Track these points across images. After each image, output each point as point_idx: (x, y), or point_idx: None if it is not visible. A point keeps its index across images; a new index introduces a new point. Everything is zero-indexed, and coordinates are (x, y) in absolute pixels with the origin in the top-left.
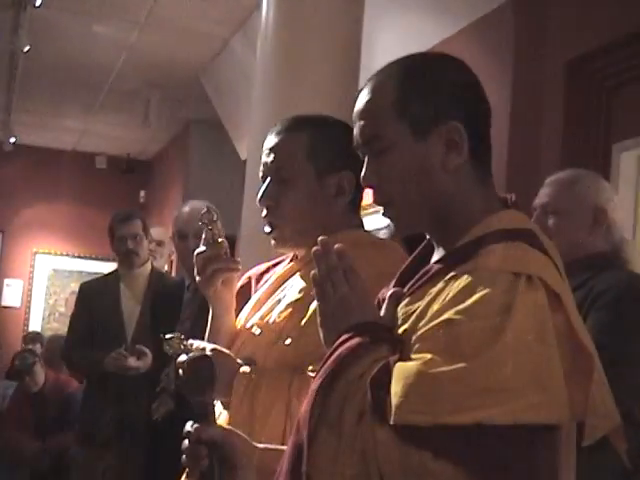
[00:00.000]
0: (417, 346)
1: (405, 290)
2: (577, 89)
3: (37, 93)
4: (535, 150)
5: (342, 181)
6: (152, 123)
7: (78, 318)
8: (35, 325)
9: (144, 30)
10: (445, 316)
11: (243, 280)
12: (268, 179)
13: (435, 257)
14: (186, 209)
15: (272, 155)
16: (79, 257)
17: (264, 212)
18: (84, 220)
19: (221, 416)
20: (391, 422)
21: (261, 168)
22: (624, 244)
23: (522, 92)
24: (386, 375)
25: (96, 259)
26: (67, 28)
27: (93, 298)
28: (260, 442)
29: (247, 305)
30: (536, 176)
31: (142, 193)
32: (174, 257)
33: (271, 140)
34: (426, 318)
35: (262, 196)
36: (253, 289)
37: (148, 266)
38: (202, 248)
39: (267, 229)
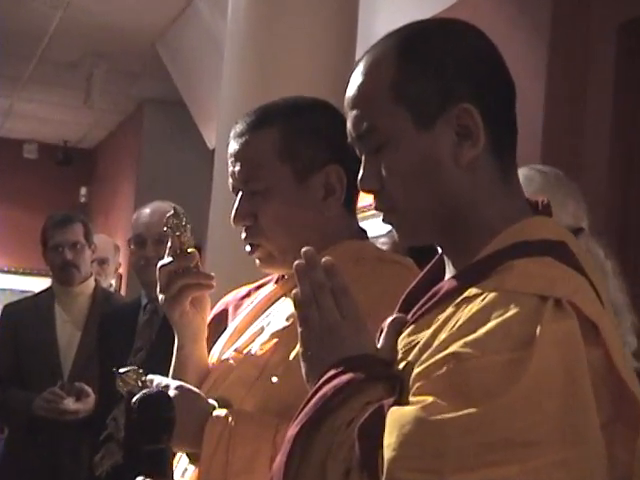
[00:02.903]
0: (417, 386)
1: (409, 316)
2: (631, 59)
3: None
4: (577, 137)
5: (329, 178)
6: (95, 102)
7: (0, 348)
8: None
9: None
10: (452, 348)
11: (218, 308)
12: (240, 193)
13: (447, 276)
14: (147, 210)
15: (238, 164)
16: (2, 271)
17: (243, 234)
18: (9, 224)
19: (187, 472)
20: None
21: (229, 180)
22: None
23: (562, 64)
24: (378, 422)
25: (24, 274)
26: None
27: (20, 323)
28: None
29: (222, 336)
30: (578, 170)
31: (83, 190)
32: (122, 270)
33: (234, 145)
34: (430, 350)
35: (236, 215)
36: (230, 318)
37: (91, 283)
38: (167, 259)
39: (248, 249)
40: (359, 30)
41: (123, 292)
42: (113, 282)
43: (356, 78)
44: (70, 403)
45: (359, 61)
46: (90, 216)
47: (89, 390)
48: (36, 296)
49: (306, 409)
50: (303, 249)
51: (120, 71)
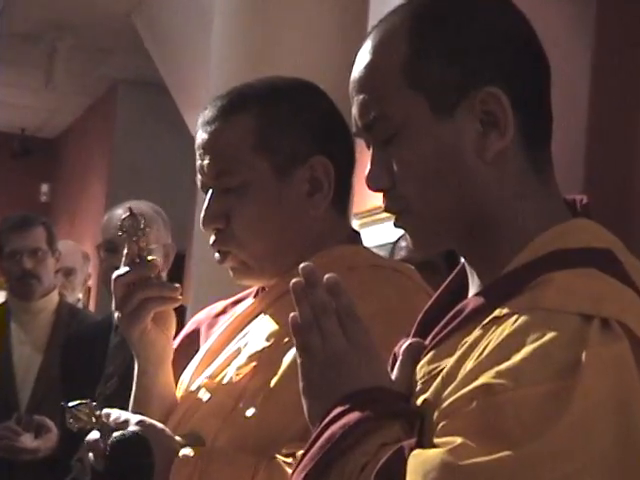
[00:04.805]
0: (442, 424)
1: (428, 341)
2: None
3: None
4: (628, 127)
5: (315, 171)
6: (59, 84)
7: None
8: None
9: None
10: (482, 380)
11: (189, 327)
12: (210, 191)
13: (471, 291)
14: (120, 212)
15: (207, 157)
16: None
17: (212, 238)
18: None
19: None
20: None
21: (198, 176)
22: None
23: (610, 41)
24: (398, 468)
25: None
26: None
27: None
28: None
29: (193, 360)
30: (629, 167)
31: (44, 187)
32: (92, 283)
33: (202, 134)
34: (456, 382)
35: (205, 216)
36: (203, 339)
37: (54, 297)
38: (123, 269)
39: (217, 257)
40: (370, 5)
41: (92, 308)
42: (81, 296)
43: (363, 58)
44: (28, 440)
45: (367, 38)
46: (53, 218)
47: (50, 424)
48: None
49: (310, 453)
50: (301, 265)
51: (88, 46)
